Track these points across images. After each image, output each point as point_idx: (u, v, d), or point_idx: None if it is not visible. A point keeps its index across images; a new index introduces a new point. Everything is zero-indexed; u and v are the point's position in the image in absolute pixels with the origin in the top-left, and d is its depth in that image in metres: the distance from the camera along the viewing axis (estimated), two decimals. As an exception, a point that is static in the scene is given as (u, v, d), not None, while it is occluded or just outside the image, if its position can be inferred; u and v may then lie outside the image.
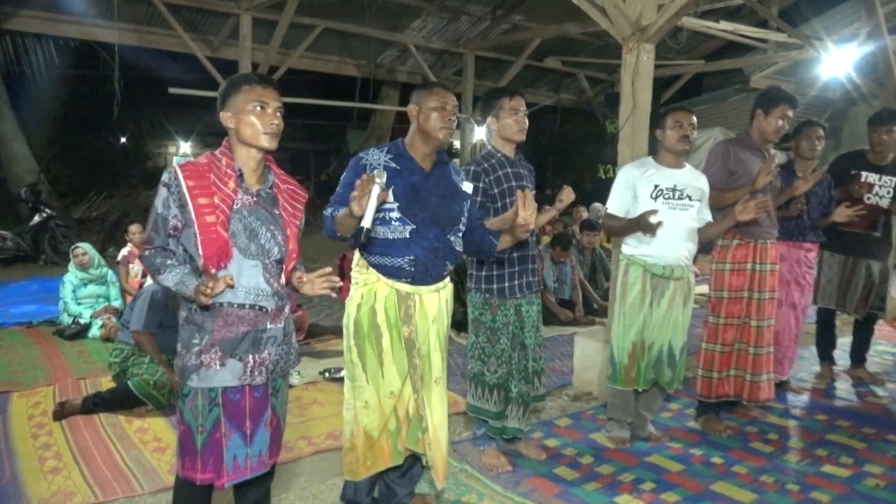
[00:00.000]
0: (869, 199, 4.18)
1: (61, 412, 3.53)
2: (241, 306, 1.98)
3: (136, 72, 10.94)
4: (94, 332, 5.21)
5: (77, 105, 12.24)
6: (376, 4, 8.60)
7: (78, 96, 12.22)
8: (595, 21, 4.07)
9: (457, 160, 17.52)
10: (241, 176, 1.99)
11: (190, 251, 1.94)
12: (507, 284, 2.96)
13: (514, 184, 2.94)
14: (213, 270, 1.89)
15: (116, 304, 5.54)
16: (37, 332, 5.42)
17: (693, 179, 3.23)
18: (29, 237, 8.60)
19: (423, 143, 2.43)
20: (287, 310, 2.10)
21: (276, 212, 2.04)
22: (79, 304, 5.43)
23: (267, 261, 2.00)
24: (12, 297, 6.51)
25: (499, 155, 2.99)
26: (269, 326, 2.03)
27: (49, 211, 8.86)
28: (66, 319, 5.33)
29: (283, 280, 2.06)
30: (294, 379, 4.18)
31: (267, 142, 1.96)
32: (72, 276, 5.51)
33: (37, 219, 8.67)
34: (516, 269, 2.97)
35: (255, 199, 2.00)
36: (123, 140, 14.34)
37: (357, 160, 2.42)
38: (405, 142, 2.47)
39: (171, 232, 1.95)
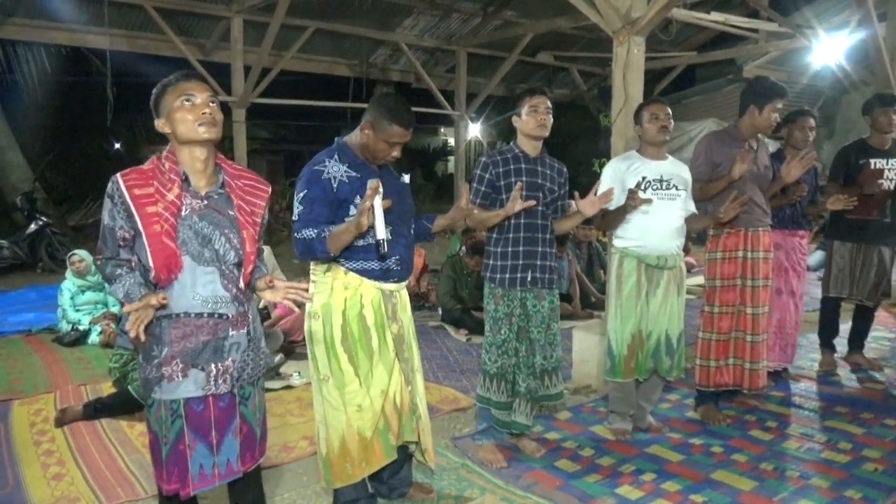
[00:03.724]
0: (881, 184, 4.17)
1: (63, 419, 3.54)
2: (199, 315, 1.91)
3: (128, 77, 10.91)
4: (94, 338, 5.22)
5: (70, 112, 12.23)
6: (367, 4, 8.61)
7: (71, 103, 12.21)
8: (586, 15, 4.09)
9: (452, 158, 17.55)
10: (186, 179, 1.91)
11: (143, 261, 1.88)
12: (507, 276, 2.99)
13: (524, 179, 2.95)
14: (154, 293, 1.84)
15: (115, 309, 5.54)
16: (36, 339, 5.43)
17: (677, 170, 3.29)
18: (25, 245, 8.59)
19: (372, 158, 2.41)
20: (251, 314, 2.03)
21: (231, 213, 1.95)
22: (77, 310, 5.44)
23: (224, 266, 1.93)
24: (10, 306, 6.51)
25: (516, 151, 3.04)
26: (230, 333, 1.96)
27: (45, 219, 8.84)
28: (65, 326, 5.34)
29: (242, 284, 1.98)
30: (294, 379, 4.19)
31: (205, 132, 1.87)
32: (69, 283, 5.51)
33: (33, 227, 8.65)
34: (520, 262, 2.99)
35: (205, 202, 1.92)
36: (117, 146, 14.31)
37: (317, 174, 2.32)
38: (353, 145, 2.42)
39: (121, 243, 1.89)
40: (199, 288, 1.91)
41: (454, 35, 10.39)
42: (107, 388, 3.99)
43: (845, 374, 4.39)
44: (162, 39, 8.50)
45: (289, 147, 21.38)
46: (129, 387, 3.64)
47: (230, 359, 1.97)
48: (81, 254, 5.59)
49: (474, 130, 11.92)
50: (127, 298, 1.85)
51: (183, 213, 1.89)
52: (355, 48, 10.16)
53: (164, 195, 1.87)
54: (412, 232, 2.57)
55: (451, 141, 16.79)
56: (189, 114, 1.88)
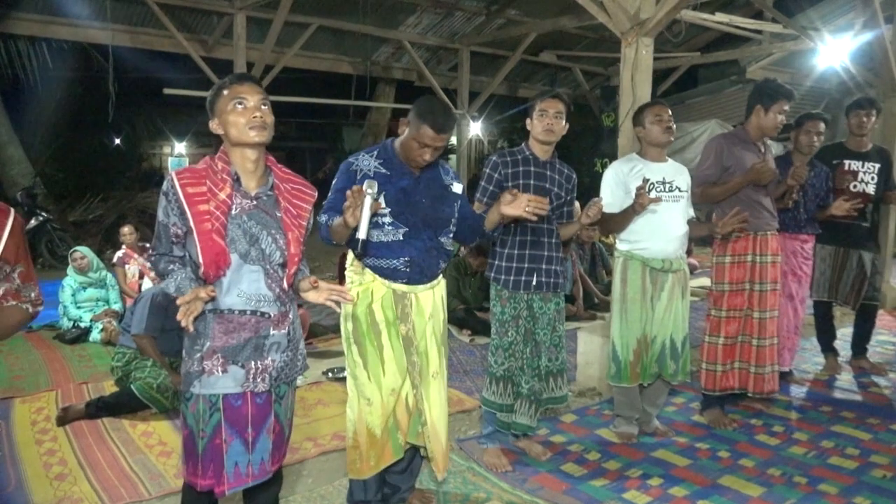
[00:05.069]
0: (855, 186, 4.21)
1: (65, 417, 3.51)
2: (243, 312, 1.96)
3: (130, 73, 10.88)
4: (95, 335, 5.19)
5: (71, 107, 12.16)
6: (370, 1, 8.58)
7: (72, 98, 12.14)
8: (591, 15, 4.07)
9: (453, 156, 17.55)
10: (237, 180, 1.97)
11: (193, 257, 1.93)
12: (512, 278, 2.98)
13: (532, 182, 2.95)
14: (203, 286, 1.88)
15: (116, 307, 5.52)
16: (37, 336, 5.39)
17: (678, 172, 3.28)
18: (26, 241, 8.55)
19: (407, 158, 2.43)
20: (291, 315, 2.07)
21: (278, 214, 2.01)
22: (78, 307, 5.41)
23: (268, 266, 1.98)
24: (11, 302, 6.47)
25: (526, 153, 3.04)
26: (272, 333, 2.00)
27: (45, 214, 8.81)
28: (67, 324, 5.31)
29: (285, 285, 2.03)
30: (297, 380, 4.16)
31: (255, 135, 1.92)
32: (71, 279, 5.49)
33: (33, 222, 8.61)
34: (525, 265, 2.97)
35: (254, 202, 1.98)
36: (118, 141, 14.27)
37: (347, 165, 2.44)
38: (395, 145, 2.47)
39: (174, 239, 1.95)
40: (243, 285, 1.95)
41: (457, 33, 10.36)
42: (109, 387, 3.97)
43: (850, 379, 4.38)
44: (164, 35, 8.47)
45: (290, 144, 21.36)
46: (132, 386, 3.62)
47: (270, 358, 2.01)
48: (83, 250, 5.56)
49: (476, 129, 11.88)
50: (178, 292, 1.90)
51: (233, 212, 1.94)
52: (358, 46, 10.13)
53: (216, 194, 1.92)
54: (440, 238, 2.51)
55: (453, 139, 16.77)
56: (241, 117, 1.92)
